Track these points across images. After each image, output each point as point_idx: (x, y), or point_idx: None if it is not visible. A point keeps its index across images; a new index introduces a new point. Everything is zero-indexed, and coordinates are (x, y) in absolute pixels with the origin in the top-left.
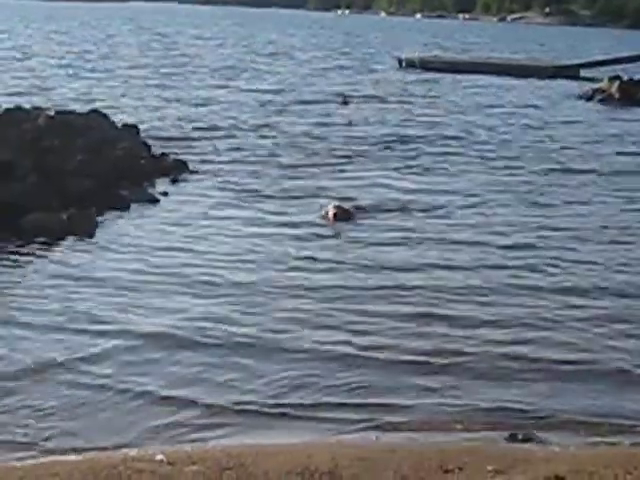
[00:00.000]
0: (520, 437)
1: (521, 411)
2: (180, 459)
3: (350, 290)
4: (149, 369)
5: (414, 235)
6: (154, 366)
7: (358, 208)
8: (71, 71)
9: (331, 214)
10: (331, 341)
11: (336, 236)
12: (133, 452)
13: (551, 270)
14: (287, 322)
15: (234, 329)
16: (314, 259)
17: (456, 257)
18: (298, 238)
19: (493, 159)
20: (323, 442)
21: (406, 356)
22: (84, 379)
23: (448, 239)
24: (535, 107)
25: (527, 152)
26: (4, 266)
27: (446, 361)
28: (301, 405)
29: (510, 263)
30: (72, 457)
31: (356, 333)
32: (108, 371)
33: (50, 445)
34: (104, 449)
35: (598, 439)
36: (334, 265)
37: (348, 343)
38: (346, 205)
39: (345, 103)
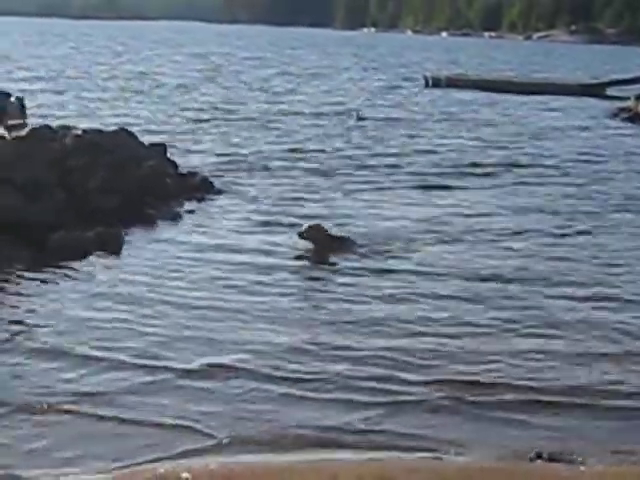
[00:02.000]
0: (545, 456)
1: (546, 429)
2: (205, 477)
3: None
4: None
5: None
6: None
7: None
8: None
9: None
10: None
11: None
12: (161, 469)
13: None
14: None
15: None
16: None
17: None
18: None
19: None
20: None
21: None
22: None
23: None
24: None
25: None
26: (29, 286)
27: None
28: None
29: None
30: (101, 476)
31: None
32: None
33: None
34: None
35: (623, 457)
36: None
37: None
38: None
39: (360, 119)
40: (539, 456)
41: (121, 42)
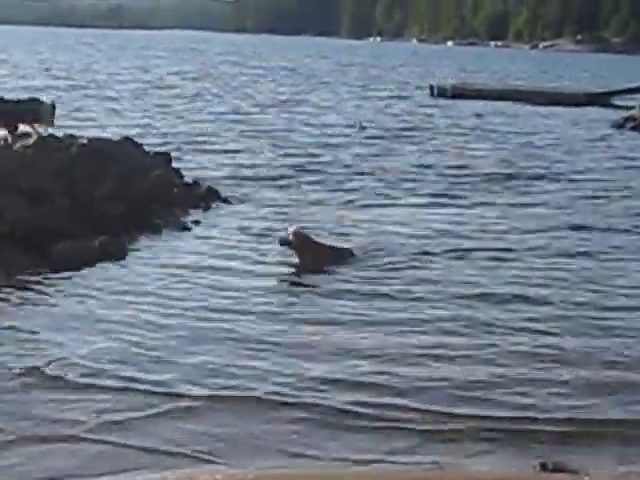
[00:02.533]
0: (550, 466)
1: (551, 439)
2: None
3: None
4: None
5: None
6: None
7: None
8: None
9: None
10: None
11: None
12: (193, 474)
13: None
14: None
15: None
16: None
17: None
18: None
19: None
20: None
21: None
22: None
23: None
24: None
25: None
26: (31, 297)
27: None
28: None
29: None
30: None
31: None
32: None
33: None
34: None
35: (633, 468)
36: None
37: None
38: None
39: (363, 128)
40: (543, 466)
41: (132, 51)
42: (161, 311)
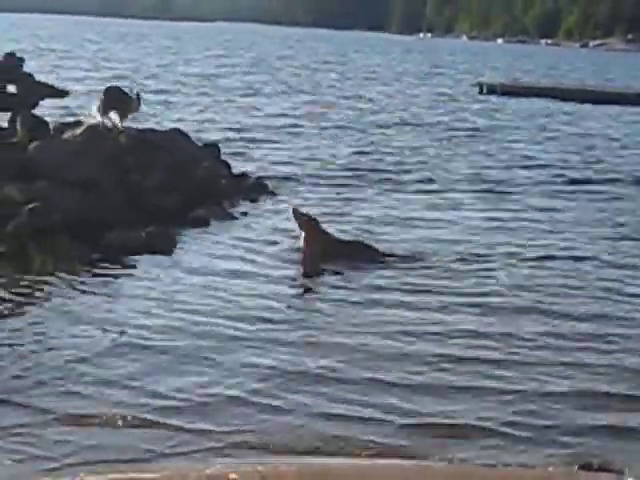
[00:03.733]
0: (595, 466)
1: (596, 438)
2: (253, 478)
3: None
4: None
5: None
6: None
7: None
8: None
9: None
10: None
11: None
12: (208, 470)
13: None
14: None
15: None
16: None
17: None
18: None
19: None
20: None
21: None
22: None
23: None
24: None
25: None
26: (81, 285)
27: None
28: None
29: None
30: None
31: None
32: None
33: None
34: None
35: None
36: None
37: None
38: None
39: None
40: (588, 466)
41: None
42: (203, 301)
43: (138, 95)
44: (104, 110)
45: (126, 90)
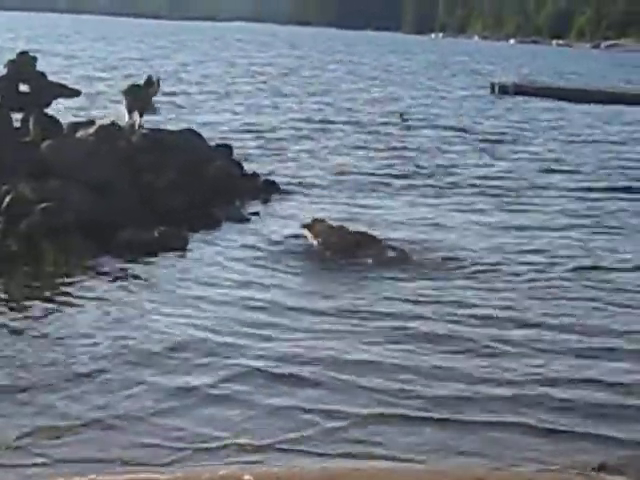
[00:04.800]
0: (610, 468)
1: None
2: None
3: None
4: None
5: None
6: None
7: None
8: None
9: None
10: None
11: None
12: (222, 471)
13: None
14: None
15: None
16: None
17: None
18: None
19: None
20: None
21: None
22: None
23: None
24: None
25: None
26: (93, 285)
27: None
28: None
29: None
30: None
31: None
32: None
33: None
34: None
35: None
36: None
37: None
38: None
39: (405, 121)
40: (602, 467)
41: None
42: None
43: (158, 80)
44: (129, 109)
45: (150, 74)
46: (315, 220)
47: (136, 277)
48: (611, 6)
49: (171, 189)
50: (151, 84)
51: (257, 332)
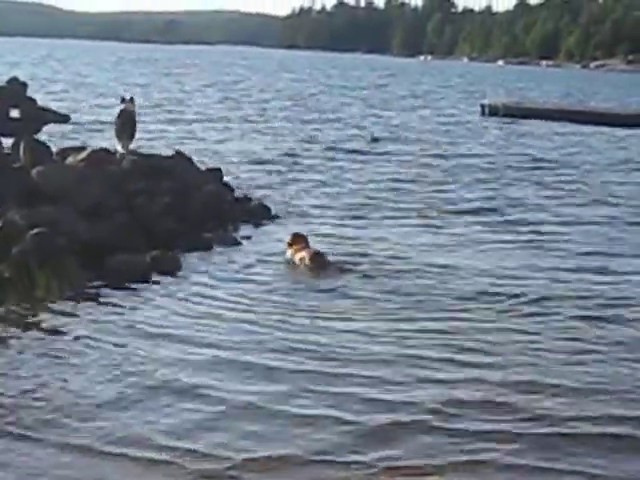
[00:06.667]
0: None
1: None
2: None
3: None
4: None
5: None
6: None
7: None
8: None
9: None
10: None
11: None
12: None
13: None
14: None
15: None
16: None
17: None
18: None
19: None
20: None
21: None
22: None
23: None
24: None
25: None
26: (83, 309)
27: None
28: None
29: None
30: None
31: None
32: None
33: None
34: None
35: None
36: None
37: None
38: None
39: (374, 140)
40: None
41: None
42: (209, 329)
43: (131, 98)
44: (119, 135)
45: (124, 96)
46: (295, 235)
47: (128, 303)
48: (598, 26)
49: (163, 213)
50: (132, 104)
51: (248, 361)
